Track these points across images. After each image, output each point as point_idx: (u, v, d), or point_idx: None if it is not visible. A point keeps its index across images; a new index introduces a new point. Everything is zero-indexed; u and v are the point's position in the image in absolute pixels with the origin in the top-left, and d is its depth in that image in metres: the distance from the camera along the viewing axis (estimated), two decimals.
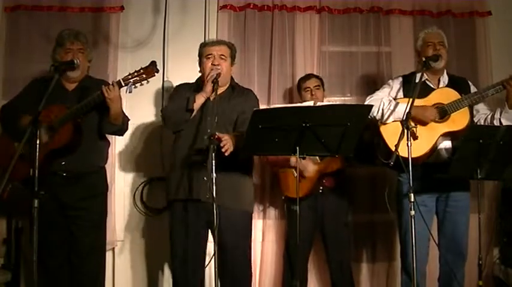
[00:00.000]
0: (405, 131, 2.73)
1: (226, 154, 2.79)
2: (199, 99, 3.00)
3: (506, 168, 3.05)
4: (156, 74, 3.00)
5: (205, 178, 2.73)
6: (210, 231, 3.12)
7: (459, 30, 4.15)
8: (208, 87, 2.97)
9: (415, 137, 2.95)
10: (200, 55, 3.18)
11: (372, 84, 4.01)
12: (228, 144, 2.81)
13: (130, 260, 3.95)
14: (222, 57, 3.09)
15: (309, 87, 3.66)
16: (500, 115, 3.14)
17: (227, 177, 2.92)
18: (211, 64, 3.05)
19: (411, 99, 2.84)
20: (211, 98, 2.98)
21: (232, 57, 3.18)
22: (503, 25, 4.22)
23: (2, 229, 3.69)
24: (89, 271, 3.13)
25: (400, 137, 2.73)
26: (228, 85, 3.18)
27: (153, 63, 2.98)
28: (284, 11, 4.08)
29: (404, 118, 2.76)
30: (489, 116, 3.21)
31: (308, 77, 3.74)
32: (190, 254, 3.05)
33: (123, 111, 3.14)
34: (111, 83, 2.98)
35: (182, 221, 3.05)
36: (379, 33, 4.13)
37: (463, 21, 4.18)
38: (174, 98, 3.17)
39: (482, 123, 3.20)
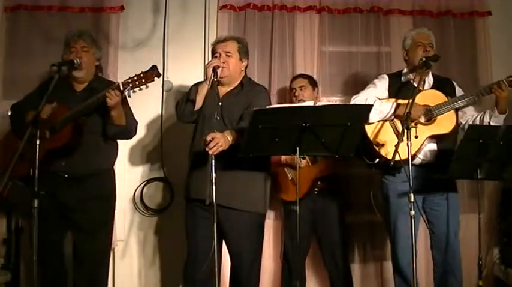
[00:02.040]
0: (405, 131, 2.72)
1: (212, 154, 2.70)
2: (202, 89, 2.96)
3: (506, 168, 3.05)
4: (156, 79, 2.91)
5: (213, 177, 2.67)
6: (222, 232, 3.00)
7: (459, 30, 4.15)
8: (209, 73, 2.91)
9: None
10: (211, 54, 3.14)
11: None
12: (215, 146, 2.71)
13: (130, 260, 3.95)
14: (228, 54, 3.02)
15: (294, 88, 3.64)
16: (490, 119, 3.12)
17: (236, 177, 2.90)
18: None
19: (411, 100, 2.84)
20: (209, 86, 2.92)
21: (242, 53, 3.07)
22: (503, 25, 4.22)
23: (2, 229, 3.68)
24: (86, 275, 3.08)
25: (400, 137, 2.74)
26: (238, 82, 3.09)
27: (154, 68, 2.90)
28: (284, 11, 4.08)
29: (404, 118, 2.76)
30: (478, 118, 3.19)
31: (295, 77, 3.72)
32: (200, 254, 2.94)
33: (132, 115, 3.12)
34: (114, 87, 2.91)
35: (193, 221, 3.00)
36: (379, 33, 4.13)
37: (463, 21, 4.17)
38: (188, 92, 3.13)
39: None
